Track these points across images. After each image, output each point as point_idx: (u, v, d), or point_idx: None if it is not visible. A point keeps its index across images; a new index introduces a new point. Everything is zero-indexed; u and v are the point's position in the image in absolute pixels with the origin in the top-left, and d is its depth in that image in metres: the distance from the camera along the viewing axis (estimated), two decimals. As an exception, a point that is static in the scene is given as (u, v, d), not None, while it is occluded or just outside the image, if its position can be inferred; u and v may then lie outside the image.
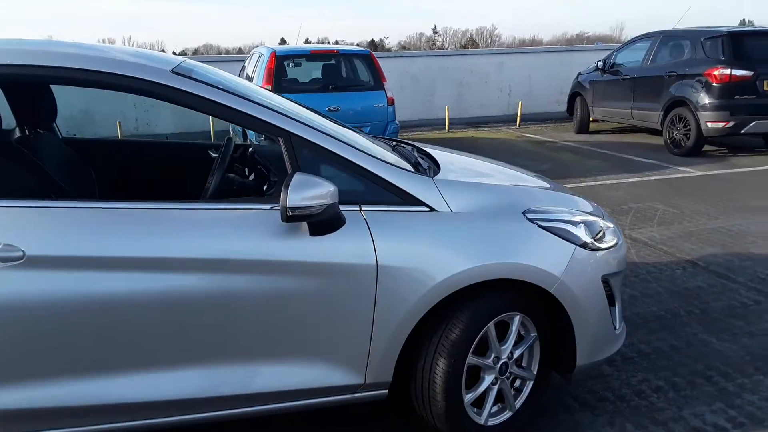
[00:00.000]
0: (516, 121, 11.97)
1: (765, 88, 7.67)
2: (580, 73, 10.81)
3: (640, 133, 10.06)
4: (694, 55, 8.21)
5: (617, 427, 2.38)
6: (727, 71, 7.68)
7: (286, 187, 1.78)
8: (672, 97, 8.35)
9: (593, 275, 2.19)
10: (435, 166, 2.43)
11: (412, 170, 2.16)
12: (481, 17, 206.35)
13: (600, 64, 10.11)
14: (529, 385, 2.29)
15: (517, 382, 2.30)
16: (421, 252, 1.98)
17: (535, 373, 2.27)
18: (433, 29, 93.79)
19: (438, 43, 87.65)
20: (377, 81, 7.07)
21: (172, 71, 1.96)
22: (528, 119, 12.19)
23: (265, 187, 2.26)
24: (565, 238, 2.15)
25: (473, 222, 2.07)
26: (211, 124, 10.08)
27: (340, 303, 1.94)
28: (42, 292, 1.73)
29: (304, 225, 1.88)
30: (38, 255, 1.72)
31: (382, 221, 1.96)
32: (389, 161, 2.12)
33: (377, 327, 1.97)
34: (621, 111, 9.59)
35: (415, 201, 2.03)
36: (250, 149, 2.75)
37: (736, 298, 3.58)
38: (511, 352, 2.19)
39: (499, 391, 2.22)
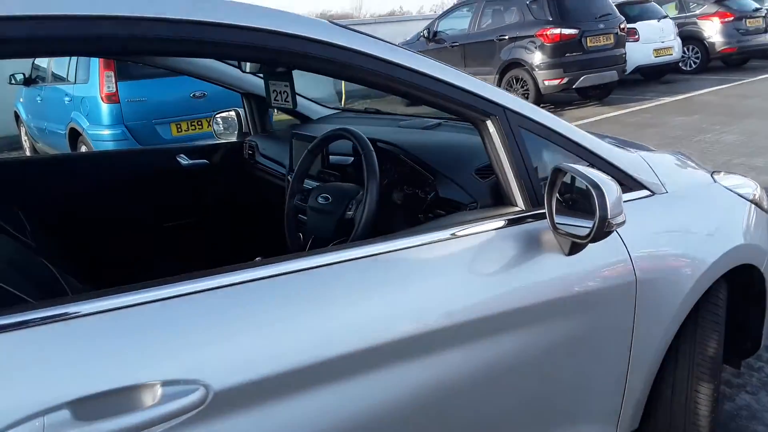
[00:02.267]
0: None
1: (589, 44, 8.40)
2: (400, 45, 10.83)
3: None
4: (522, 18, 8.68)
5: None
6: (557, 31, 8.24)
7: (600, 192, 1.20)
8: (506, 60, 8.76)
9: None
10: None
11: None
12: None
13: (425, 33, 10.22)
14: None
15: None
16: (670, 247, 1.56)
17: None
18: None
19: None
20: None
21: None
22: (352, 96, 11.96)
23: (424, 193, 1.62)
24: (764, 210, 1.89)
25: (698, 202, 1.70)
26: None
27: (595, 339, 1.44)
28: None
29: (553, 242, 1.34)
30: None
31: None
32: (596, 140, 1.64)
33: (634, 361, 1.51)
34: (452, 77, 9.81)
35: (638, 185, 1.60)
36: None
37: None
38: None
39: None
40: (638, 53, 10.13)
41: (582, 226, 1.22)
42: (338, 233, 1.60)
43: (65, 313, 0.89)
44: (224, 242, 2.72)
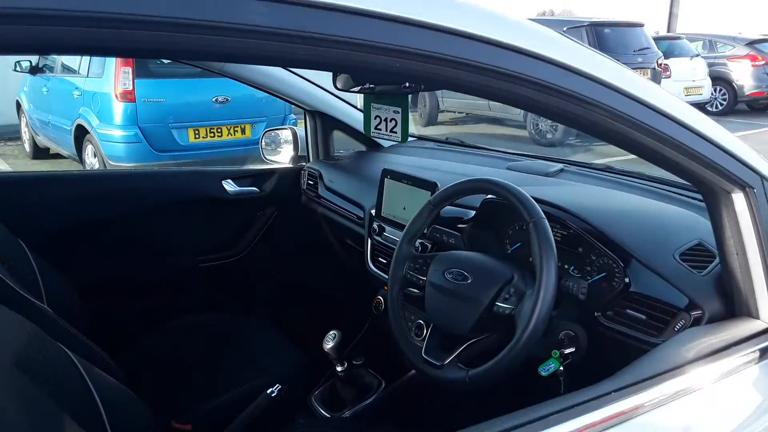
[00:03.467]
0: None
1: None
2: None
3: (493, 125, 10.06)
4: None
5: None
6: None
7: None
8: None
9: None
10: None
11: None
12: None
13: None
14: None
15: None
16: None
17: None
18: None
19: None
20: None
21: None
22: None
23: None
24: None
25: None
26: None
27: None
28: None
29: None
30: None
31: None
32: None
33: None
34: (475, 101, 9.41)
35: None
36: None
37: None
38: None
39: None
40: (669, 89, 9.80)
41: None
42: (478, 329, 1.14)
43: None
44: (273, 291, 2.25)
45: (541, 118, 8.18)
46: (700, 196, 1.43)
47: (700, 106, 10.76)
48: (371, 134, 1.51)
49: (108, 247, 1.90)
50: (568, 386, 1.17)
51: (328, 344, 1.53)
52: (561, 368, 1.14)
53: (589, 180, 1.65)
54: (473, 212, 1.46)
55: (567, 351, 1.13)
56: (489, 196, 1.40)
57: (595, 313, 1.16)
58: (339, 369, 1.57)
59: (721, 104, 11.71)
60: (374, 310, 1.76)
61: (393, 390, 1.60)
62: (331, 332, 1.54)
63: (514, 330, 1.07)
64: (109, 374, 1.23)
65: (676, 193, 1.46)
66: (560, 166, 1.73)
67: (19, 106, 7.25)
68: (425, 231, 1.36)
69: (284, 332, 1.79)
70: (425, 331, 1.57)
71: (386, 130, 1.47)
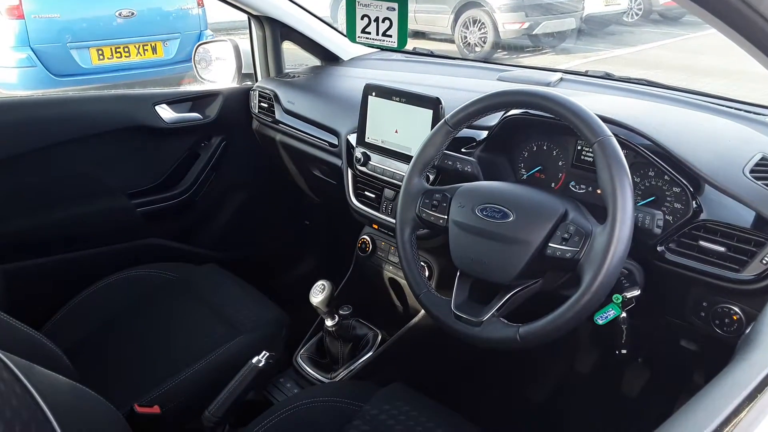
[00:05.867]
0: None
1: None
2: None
3: (417, 38, 9.66)
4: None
5: None
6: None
7: None
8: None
9: None
10: None
11: None
12: None
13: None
14: None
15: None
16: None
17: None
18: None
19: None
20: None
21: None
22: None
23: None
24: None
25: None
26: None
27: None
28: None
29: None
30: None
31: None
32: None
33: None
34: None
35: None
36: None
37: None
38: None
39: None
40: (588, 1, 9.73)
41: None
42: (524, 276, 0.94)
43: None
44: (226, 235, 1.96)
45: (470, 30, 7.92)
46: (736, 104, 1.27)
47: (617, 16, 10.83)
48: (356, 39, 1.22)
49: (20, 191, 1.54)
50: (630, 336, 1.00)
51: (317, 297, 1.29)
52: (623, 315, 0.96)
53: (594, 88, 1.45)
54: (484, 133, 1.23)
55: (630, 294, 0.95)
56: (511, 112, 1.17)
57: (658, 247, 0.98)
58: (329, 324, 1.34)
59: (637, 14, 11.81)
60: (359, 252, 1.53)
61: (395, 342, 1.39)
62: (319, 283, 1.30)
63: (577, 276, 0.87)
64: (50, 362, 0.95)
65: (703, 101, 1.29)
66: (559, 75, 1.52)
67: None
68: (435, 160, 1.11)
69: (248, 283, 1.54)
70: (433, 277, 1.37)
71: (377, 34, 1.19)
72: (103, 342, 1.32)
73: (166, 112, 1.75)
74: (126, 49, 4.64)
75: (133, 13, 4.56)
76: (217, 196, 1.91)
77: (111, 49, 4.57)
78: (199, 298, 1.44)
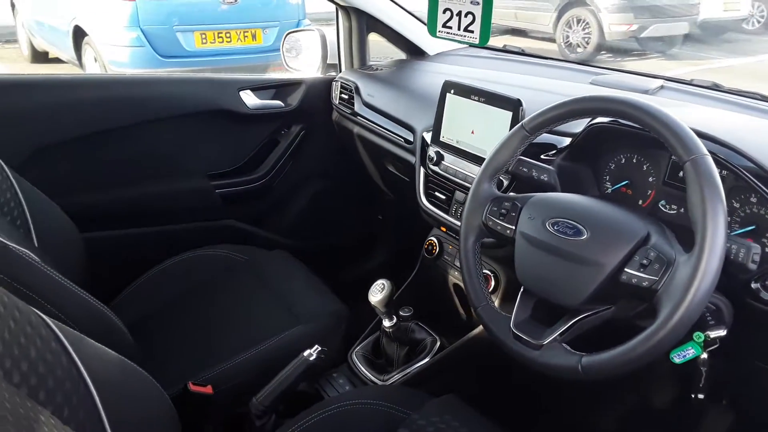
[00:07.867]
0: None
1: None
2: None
3: (517, 36, 9.42)
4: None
5: None
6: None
7: None
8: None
9: None
10: None
11: None
12: None
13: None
14: None
15: None
16: None
17: None
18: None
19: None
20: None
21: None
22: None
23: None
24: None
25: None
26: None
27: None
28: None
29: None
30: None
31: None
32: None
33: None
34: (499, 9, 8.78)
35: None
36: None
37: None
38: None
39: None
40: (705, 5, 9.12)
41: None
42: (594, 301, 0.86)
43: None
44: (299, 223, 1.97)
45: (573, 29, 7.62)
46: None
47: (736, 23, 10.08)
48: (436, 33, 1.17)
49: (106, 165, 1.61)
50: (710, 380, 0.90)
51: (376, 296, 1.26)
52: (704, 356, 0.86)
53: (699, 99, 1.32)
54: (567, 140, 1.14)
55: (714, 334, 0.84)
56: (597, 120, 1.08)
57: (752, 284, 0.87)
58: (387, 325, 1.31)
59: (758, 21, 10.96)
60: (426, 254, 1.48)
61: (454, 350, 1.34)
62: (379, 282, 1.27)
63: (654, 308, 0.78)
64: (113, 336, 0.97)
65: None
66: (660, 82, 1.40)
67: (13, 6, 6.72)
68: (509, 166, 1.04)
69: (314, 272, 1.53)
70: (500, 288, 1.30)
71: (458, 29, 1.13)
72: (167, 318, 1.35)
73: (249, 98, 1.78)
74: (228, 35, 4.80)
75: (236, 0, 4.71)
76: (293, 183, 1.92)
77: (214, 33, 4.74)
78: (264, 283, 1.44)
